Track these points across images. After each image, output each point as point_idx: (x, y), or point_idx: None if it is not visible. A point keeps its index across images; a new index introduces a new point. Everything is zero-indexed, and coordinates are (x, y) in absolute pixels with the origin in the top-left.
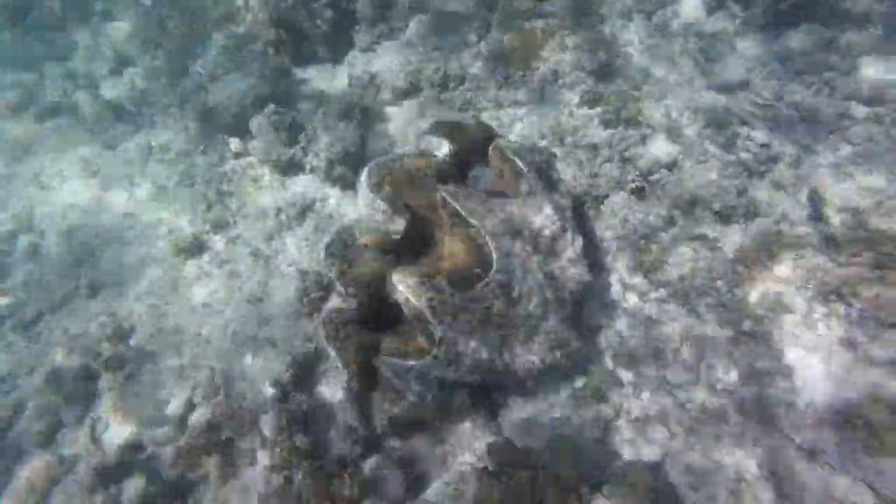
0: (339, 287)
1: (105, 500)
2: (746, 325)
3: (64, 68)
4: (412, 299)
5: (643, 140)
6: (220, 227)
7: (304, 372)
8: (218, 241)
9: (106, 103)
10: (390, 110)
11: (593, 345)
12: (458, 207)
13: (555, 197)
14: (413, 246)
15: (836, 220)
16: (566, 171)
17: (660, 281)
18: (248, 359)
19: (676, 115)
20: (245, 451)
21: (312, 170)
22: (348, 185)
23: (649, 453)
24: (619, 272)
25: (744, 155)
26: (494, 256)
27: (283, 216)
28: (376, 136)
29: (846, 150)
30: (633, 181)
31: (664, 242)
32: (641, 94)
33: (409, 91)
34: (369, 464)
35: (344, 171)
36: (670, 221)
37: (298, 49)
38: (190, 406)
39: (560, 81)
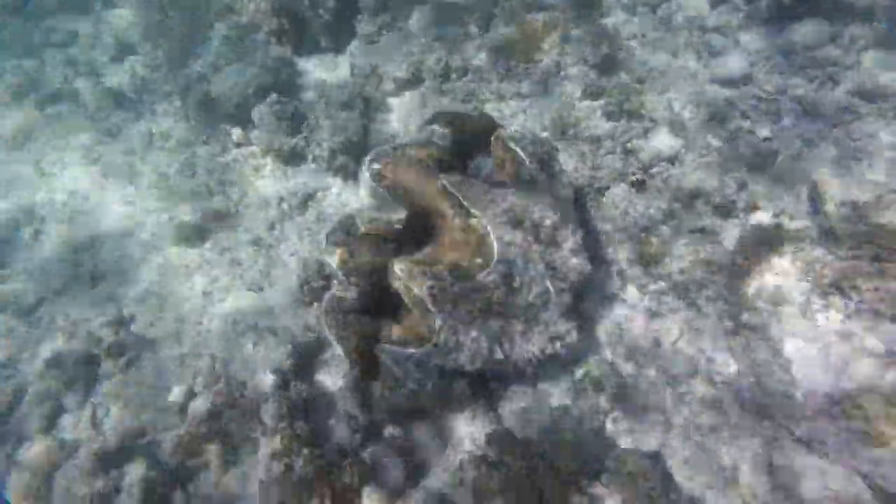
0: (340, 276)
1: (106, 485)
2: (745, 317)
3: (65, 55)
4: (413, 287)
5: (645, 133)
6: (221, 216)
7: (305, 360)
8: (219, 230)
9: (107, 91)
10: (392, 101)
11: (593, 336)
12: (459, 197)
13: (556, 188)
14: (414, 235)
15: (835, 214)
16: (568, 163)
17: (660, 273)
18: (249, 347)
19: (679, 109)
20: (246, 438)
21: (314, 159)
22: (350, 174)
23: (648, 444)
24: (620, 264)
25: (745, 149)
26: (495, 246)
27: (284, 205)
28: (378, 126)
29: (848, 144)
30: (635, 174)
31: (664, 235)
32: (644, 87)
33: (411, 82)
34: (369, 452)
35: (346, 161)
36: (671, 214)
37: (301, 39)
38: (191, 393)
39: (562, 73)
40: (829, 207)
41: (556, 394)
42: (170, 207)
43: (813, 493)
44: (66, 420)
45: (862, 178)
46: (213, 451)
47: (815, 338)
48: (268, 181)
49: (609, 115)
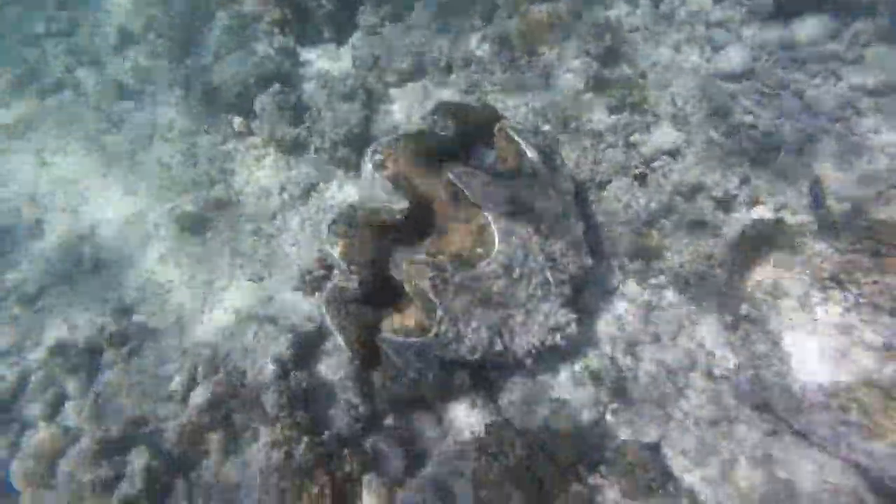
0: (341, 266)
1: (109, 472)
2: (744, 309)
3: (66, 44)
4: (414, 277)
5: (647, 127)
6: (222, 205)
7: (306, 350)
8: (220, 220)
9: (109, 80)
10: (394, 92)
11: (592, 328)
12: (461, 187)
13: (558, 180)
14: (416, 225)
15: (836, 208)
16: (570, 156)
17: (660, 267)
18: (250, 337)
19: (681, 103)
20: (246, 427)
21: (316, 150)
22: (352, 165)
23: (647, 436)
24: (620, 257)
25: (747, 143)
26: (496, 237)
27: (286, 195)
28: (380, 117)
29: (849, 139)
30: (636, 167)
31: (665, 229)
32: (647, 80)
33: (414, 73)
34: (370, 441)
35: (348, 152)
36: (672, 208)
37: (303, 29)
38: (192, 382)
39: (565, 66)
40: (830, 202)
41: (556, 385)
42: (171, 197)
43: (810, 486)
44: (70, 408)
45: (863, 173)
46: (213, 439)
47: (814, 331)
48: (269, 171)
49: (611, 109)
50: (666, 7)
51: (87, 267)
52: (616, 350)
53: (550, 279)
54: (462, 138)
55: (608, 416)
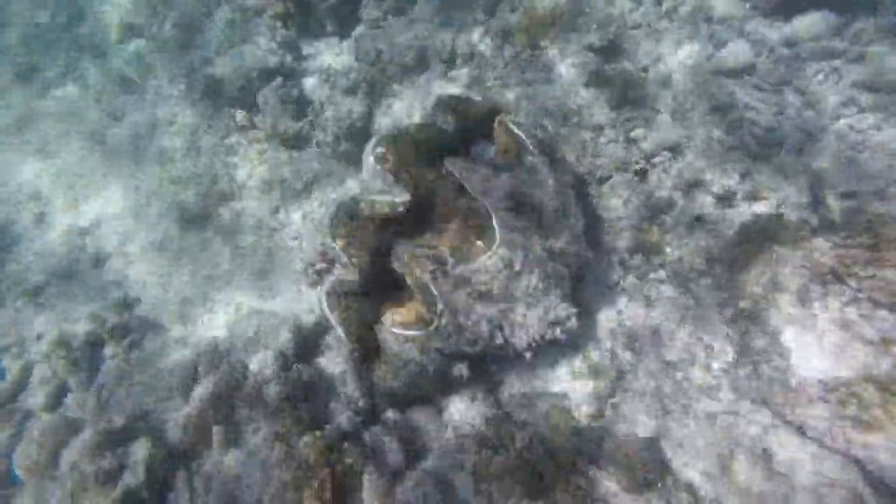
0: (342, 258)
1: (112, 462)
2: (744, 304)
3: (69, 37)
4: (415, 271)
5: (647, 122)
6: (224, 198)
7: (307, 344)
8: (223, 213)
9: (111, 74)
10: (397, 86)
11: (592, 322)
12: (462, 181)
13: (558, 174)
14: (417, 218)
15: (836, 205)
16: (570, 151)
17: (660, 262)
18: (252, 330)
19: (682, 98)
20: (248, 419)
21: (319, 144)
22: (354, 159)
23: (645, 429)
24: (620, 252)
25: (748, 139)
26: (497, 230)
27: (288, 189)
28: (383, 111)
29: (850, 136)
30: (637, 162)
31: (665, 224)
32: (648, 76)
33: (416, 67)
34: (370, 434)
35: (350, 146)
36: (672, 203)
37: (306, 23)
38: (194, 375)
39: (567, 61)
40: (830, 198)
41: (556, 379)
42: (173, 190)
43: (807, 479)
44: (71, 399)
45: (863, 170)
46: (215, 432)
47: (812, 326)
48: (271, 165)
49: (612, 104)
50: (669, 2)
51: (89, 259)
52: (616, 344)
53: (550, 273)
54: (463, 132)
55: (607, 411)
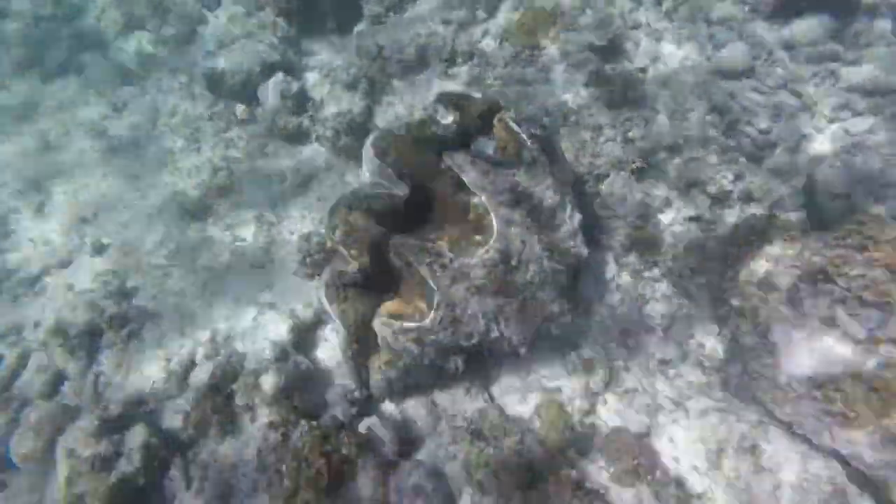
0: (341, 251)
1: (108, 449)
2: (735, 302)
3: (71, 28)
4: (413, 263)
5: (646, 122)
6: (224, 191)
7: (305, 334)
8: (223, 206)
9: (113, 65)
10: (397, 83)
11: (587, 318)
12: (461, 176)
13: (556, 171)
14: (416, 212)
15: (828, 205)
16: (569, 149)
17: (654, 260)
18: (250, 320)
19: (681, 99)
20: (244, 408)
21: (319, 139)
22: (354, 154)
23: (637, 424)
24: (615, 249)
25: (744, 140)
26: (495, 225)
27: (287, 183)
28: (383, 107)
29: (844, 139)
30: (634, 161)
31: (661, 223)
32: (647, 76)
33: (417, 64)
34: (365, 424)
35: (350, 141)
36: (667, 202)
37: (307, 18)
38: (191, 364)
39: (567, 60)
40: (822, 199)
41: (549, 374)
42: (174, 182)
43: (793, 476)
44: (68, 387)
45: (857, 171)
46: (211, 420)
47: (802, 324)
48: (271, 159)
49: (611, 104)
50: (669, 3)
51: (88, 249)
52: (609, 340)
53: (547, 268)
54: (463, 128)
55: (600, 405)
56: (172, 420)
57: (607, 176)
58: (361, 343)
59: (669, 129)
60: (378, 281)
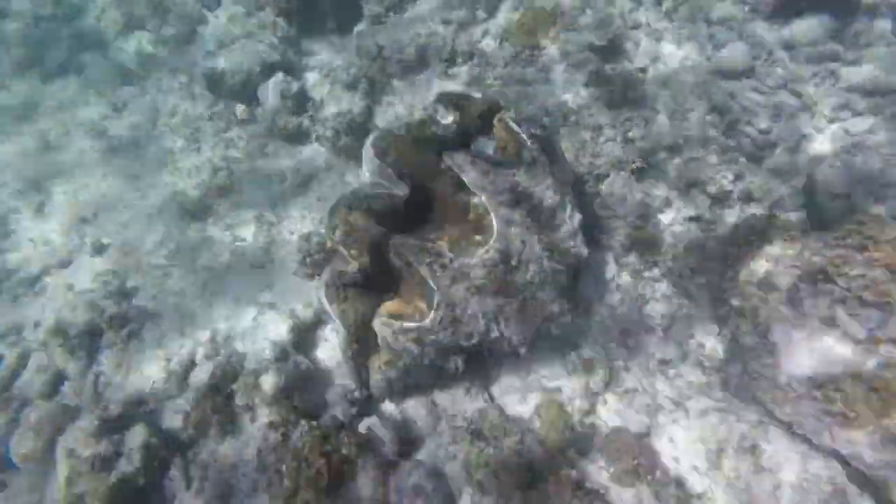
0: (341, 251)
1: (108, 449)
2: (735, 302)
3: (71, 28)
4: (413, 263)
5: (646, 122)
6: (224, 191)
7: (305, 334)
8: (223, 206)
9: (113, 65)
10: (397, 83)
11: (587, 318)
12: (461, 176)
13: (556, 171)
14: (416, 212)
15: (828, 205)
16: (569, 149)
17: (654, 260)
18: (250, 320)
19: (681, 99)
20: (244, 408)
21: (318, 139)
22: (354, 154)
23: (637, 424)
24: (615, 249)
25: (744, 140)
26: (495, 225)
27: (287, 183)
28: (383, 107)
29: (844, 139)
30: (634, 161)
31: (661, 223)
32: (647, 76)
33: (417, 64)
34: (365, 424)
35: (350, 141)
36: (667, 202)
37: (307, 18)
38: (191, 364)
39: (567, 60)
40: (822, 199)
41: (550, 374)
42: (174, 182)
43: (793, 476)
44: (68, 387)
45: (857, 171)
46: (211, 420)
47: (802, 324)
48: (271, 159)
49: (611, 104)
50: (669, 3)
51: (88, 249)
52: (609, 340)
53: (547, 268)
54: (463, 128)
55: (600, 405)
56: (172, 420)
57: (607, 176)
58: (361, 343)
59: (669, 129)
60: (378, 281)
